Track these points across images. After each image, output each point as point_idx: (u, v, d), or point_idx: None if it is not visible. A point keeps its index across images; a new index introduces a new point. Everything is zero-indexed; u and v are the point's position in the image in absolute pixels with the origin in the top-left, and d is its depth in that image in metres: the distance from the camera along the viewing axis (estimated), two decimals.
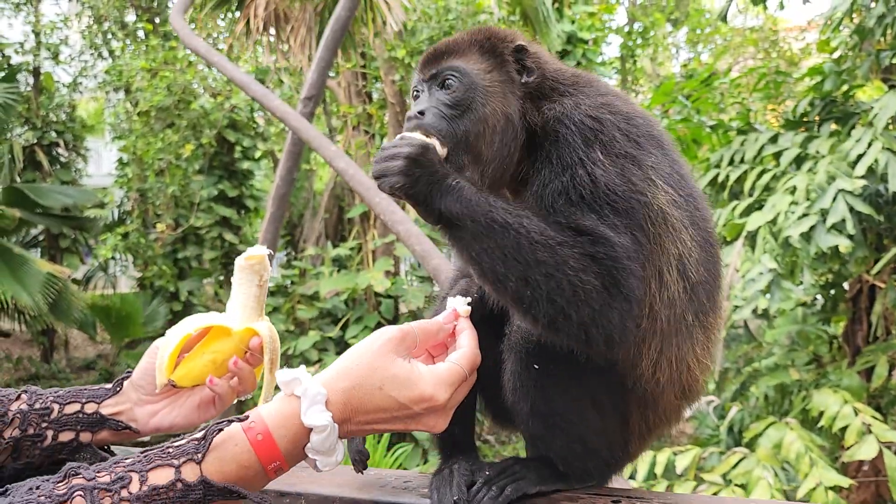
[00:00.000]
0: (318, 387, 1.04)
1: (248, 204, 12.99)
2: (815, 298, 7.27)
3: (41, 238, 14.16)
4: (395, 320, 9.34)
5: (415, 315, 9.40)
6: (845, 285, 6.66)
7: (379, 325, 9.37)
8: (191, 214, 12.65)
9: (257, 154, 12.23)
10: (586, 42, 11.00)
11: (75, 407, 1.33)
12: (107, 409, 1.35)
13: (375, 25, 6.66)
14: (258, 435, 1.00)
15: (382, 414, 1.08)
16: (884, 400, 5.60)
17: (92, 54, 11.73)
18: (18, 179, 13.24)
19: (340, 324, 9.54)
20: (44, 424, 1.29)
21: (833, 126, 5.01)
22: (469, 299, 1.31)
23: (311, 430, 1.02)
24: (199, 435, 0.99)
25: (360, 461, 1.42)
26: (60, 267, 11.17)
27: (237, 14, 7.25)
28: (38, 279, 10.11)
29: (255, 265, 1.37)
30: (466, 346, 1.20)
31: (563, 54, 10.74)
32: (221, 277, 13.47)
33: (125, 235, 11.51)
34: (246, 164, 12.66)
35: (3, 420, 1.27)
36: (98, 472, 0.94)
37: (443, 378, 1.12)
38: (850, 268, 5.36)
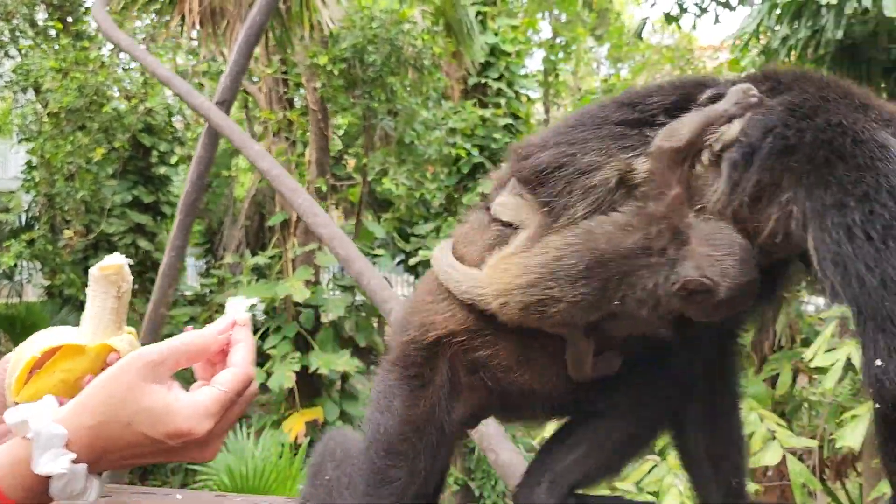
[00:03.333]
0: (53, 428, 0.92)
1: (164, 210, 12.59)
2: None
3: None
4: (315, 331, 9.21)
5: (335, 325, 9.29)
6: None
7: (298, 336, 9.23)
8: (102, 220, 12.19)
9: (174, 159, 11.89)
10: (509, 55, 11.13)
11: None
12: None
13: (311, 24, 6.58)
14: None
15: (137, 449, 0.97)
16: (788, 406, 5.82)
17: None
18: None
19: (258, 334, 9.33)
20: None
21: None
22: (253, 302, 1.22)
23: (49, 477, 0.90)
24: None
25: None
26: None
27: (157, 17, 7.05)
28: None
29: (111, 275, 1.26)
30: (238, 364, 1.06)
31: (485, 66, 10.85)
32: (136, 286, 13.01)
33: (31, 242, 11.00)
34: (163, 170, 12.30)
35: None
36: None
37: (203, 408, 0.99)
38: None
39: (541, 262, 1.17)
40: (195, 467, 7.46)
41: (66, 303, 13.42)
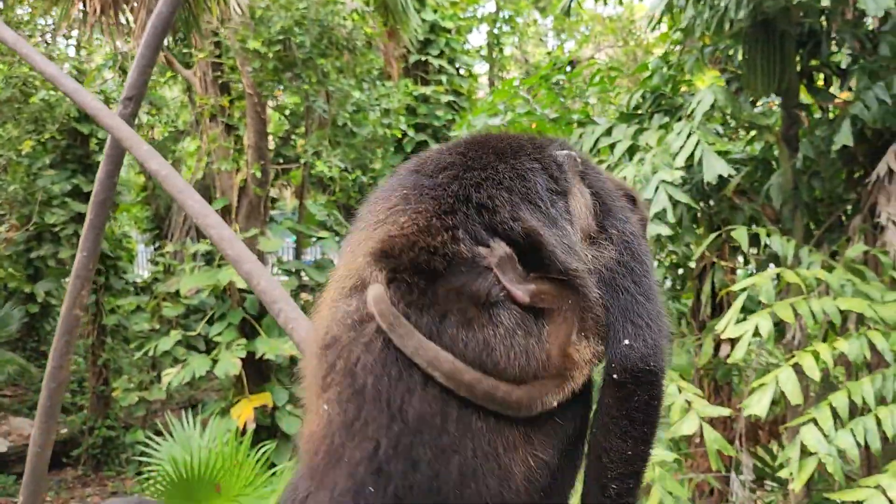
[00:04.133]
0: None
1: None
2: (665, 278, 7.68)
3: None
4: (260, 316, 9.17)
5: None
6: (692, 264, 7.07)
7: (244, 322, 9.19)
8: (45, 211, 11.95)
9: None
10: (449, 31, 11.09)
11: None
12: None
13: (221, 12, 6.46)
14: None
15: None
16: (718, 373, 5.98)
17: None
18: None
19: (205, 320, 9.28)
20: None
21: (663, 119, 5.28)
22: None
23: None
24: None
25: None
26: None
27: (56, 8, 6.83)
28: None
29: None
30: None
31: (425, 44, 10.80)
32: None
33: None
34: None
35: None
36: None
37: None
38: (678, 251, 5.68)
39: None
40: (143, 458, 7.44)
41: (10, 296, 13.19)
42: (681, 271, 7.51)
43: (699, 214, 5.87)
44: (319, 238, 10.08)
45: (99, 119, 3.04)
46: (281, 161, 10.15)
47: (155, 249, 16.86)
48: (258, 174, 8.72)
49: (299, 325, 2.85)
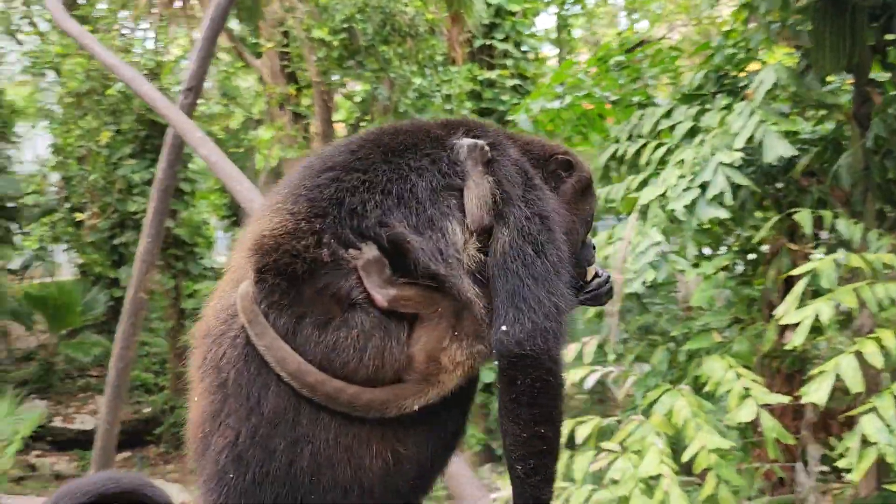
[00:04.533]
0: None
1: (183, 187, 12.81)
2: (735, 263, 7.47)
3: None
4: None
5: None
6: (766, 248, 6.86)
7: None
8: (126, 199, 12.47)
9: None
10: (514, 14, 10.99)
11: None
12: None
13: (287, 1, 6.59)
14: None
15: None
16: (786, 361, 5.79)
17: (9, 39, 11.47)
18: None
19: None
20: None
21: (726, 99, 5.13)
22: None
23: None
24: None
25: None
26: None
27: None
28: None
29: None
30: None
31: (490, 27, 10.75)
32: (160, 262, 13.32)
33: (53, 224, 11.32)
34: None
35: None
36: None
37: None
38: (743, 234, 5.52)
39: None
40: None
41: (96, 282, 13.82)
42: (754, 256, 7.29)
43: (765, 198, 5.69)
44: None
45: (156, 107, 3.17)
46: None
47: (232, 236, 17.38)
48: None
49: None
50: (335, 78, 8.26)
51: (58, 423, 12.14)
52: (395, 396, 1.15)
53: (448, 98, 9.04)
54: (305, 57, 8.69)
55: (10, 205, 13.01)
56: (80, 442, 12.14)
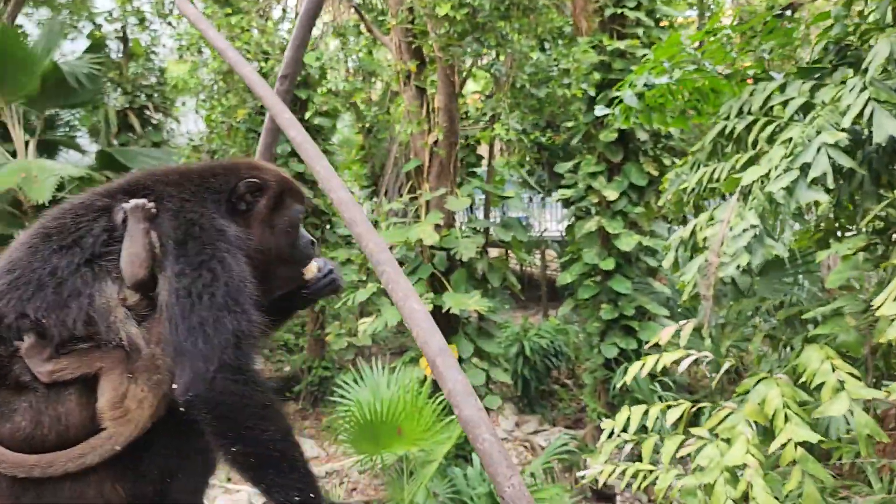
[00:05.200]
0: None
1: None
2: (876, 244, 6.97)
3: None
4: (448, 272, 9.59)
5: (468, 267, 9.61)
6: None
7: (433, 277, 9.68)
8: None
9: (325, 108, 12.56)
10: None
11: None
12: None
13: None
14: None
15: None
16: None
17: (162, 22, 12.42)
18: (115, 142, 14.23)
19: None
20: None
21: (846, 73, 4.77)
22: None
23: None
24: None
25: None
26: None
27: None
28: None
29: None
30: None
31: None
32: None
33: None
34: (317, 120, 13.08)
35: None
36: None
37: None
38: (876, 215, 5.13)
39: None
40: (335, 399, 8.16)
41: None
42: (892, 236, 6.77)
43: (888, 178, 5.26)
44: (505, 197, 10.29)
45: (254, 89, 3.40)
46: (475, 123, 10.43)
47: (371, 206, 18.04)
48: (440, 136, 9.05)
49: (399, 287, 3.06)
50: (459, 53, 8.32)
51: None
52: (92, 447, 1.29)
53: (566, 72, 8.92)
54: (429, 32, 8.83)
55: None
56: None
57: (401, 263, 10.22)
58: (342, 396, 7.86)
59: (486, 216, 11.10)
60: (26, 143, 12.02)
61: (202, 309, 1.31)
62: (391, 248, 9.83)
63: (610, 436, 4.84)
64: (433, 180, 9.59)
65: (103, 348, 1.34)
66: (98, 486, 1.30)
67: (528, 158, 10.85)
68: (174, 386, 1.30)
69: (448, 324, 9.68)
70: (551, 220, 20.15)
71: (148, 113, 14.71)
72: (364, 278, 12.07)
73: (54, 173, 10.25)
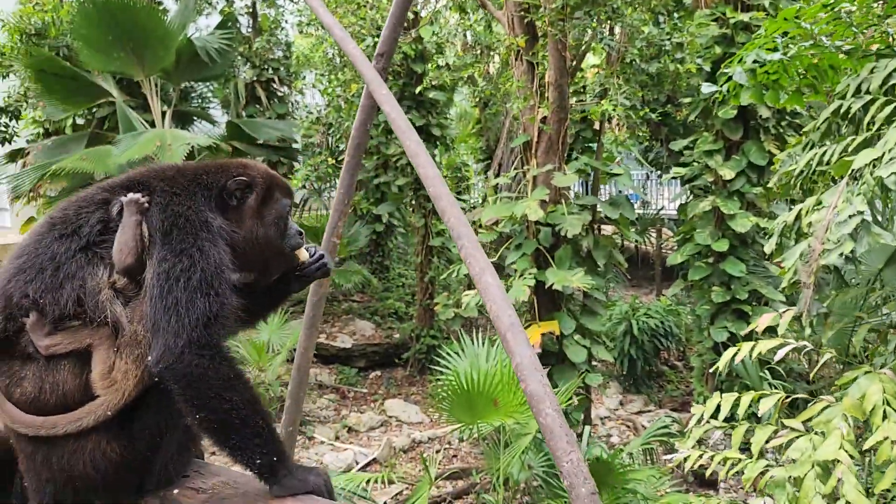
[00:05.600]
0: None
1: (434, 132, 13.65)
2: None
3: None
4: (553, 248, 9.58)
5: (573, 243, 9.56)
6: None
7: (538, 252, 9.69)
8: (389, 143, 13.60)
9: (438, 83, 12.71)
10: None
11: None
12: None
13: None
14: None
15: None
16: None
17: None
18: (243, 114, 14.97)
19: (502, 249, 9.99)
20: None
21: None
22: None
23: None
24: None
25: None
26: None
27: None
28: None
29: None
30: None
31: None
32: (414, 202, 14.40)
33: (316, 166, 12.70)
34: (432, 94, 13.27)
35: None
36: None
37: None
38: None
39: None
40: (437, 368, 8.38)
41: (361, 217, 15.31)
42: None
43: None
44: (614, 175, 10.13)
45: (356, 65, 3.55)
46: (590, 98, 10.30)
47: (484, 180, 18.15)
48: (549, 112, 8.99)
49: (476, 261, 3.14)
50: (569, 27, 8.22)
51: (322, 339, 13.79)
52: (87, 412, 1.46)
53: (679, 46, 8.62)
54: (541, 6, 8.76)
55: (294, 146, 14.83)
56: (339, 358, 13.78)
57: (507, 238, 10.29)
58: (443, 366, 8.06)
59: (595, 193, 10.96)
60: (163, 114, 12.86)
61: (178, 291, 1.46)
62: (496, 223, 9.91)
63: (699, 421, 4.78)
64: (541, 156, 9.56)
65: (92, 326, 1.51)
66: (96, 444, 1.48)
67: (639, 135, 10.60)
68: (149, 358, 1.46)
69: (551, 300, 9.69)
70: (669, 199, 19.61)
71: (274, 86, 15.35)
72: None
73: (185, 142, 10.92)
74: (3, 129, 15.98)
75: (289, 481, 1.47)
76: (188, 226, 1.57)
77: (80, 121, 14.47)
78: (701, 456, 4.75)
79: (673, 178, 11.62)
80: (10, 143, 15.89)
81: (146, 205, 1.59)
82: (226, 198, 1.70)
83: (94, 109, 13.73)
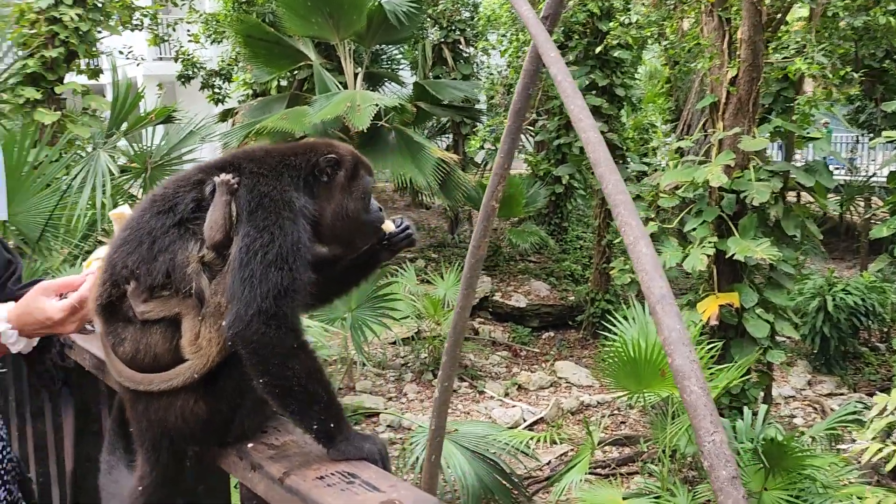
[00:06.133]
0: (2, 313, 1.86)
1: (618, 93, 13.28)
2: None
3: (448, 126, 16.35)
4: (737, 216, 9.09)
5: (760, 212, 9.02)
6: None
7: (720, 220, 9.23)
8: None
9: (621, 41, 12.30)
10: None
11: None
12: None
13: None
14: None
15: (37, 325, 1.87)
16: None
17: None
18: (430, 75, 15.37)
19: (681, 215, 9.62)
20: None
21: None
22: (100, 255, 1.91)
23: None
24: None
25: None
26: (449, 153, 12.93)
27: None
28: (430, 163, 11.95)
29: (118, 217, 2.12)
30: (81, 290, 1.88)
31: None
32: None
33: (494, 128, 12.80)
34: (617, 52, 12.89)
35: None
36: None
37: (59, 307, 1.86)
38: None
39: None
40: (606, 333, 8.31)
41: (541, 178, 15.32)
42: None
43: None
44: (809, 139, 9.37)
45: (527, 27, 3.58)
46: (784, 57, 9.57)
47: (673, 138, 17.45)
48: (738, 70, 8.44)
49: (631, 230, 3.11)
50: None
51: (498, 297, 14.07)
52: (177, 373, 1.62)
53: None
54: None
55: (469, 106, 15.06)
56: (513, 316, 13.99)
57: (689, 203, 9.88)
58: (612, 331, 7.99)
59: (789, 158, 10.22)
60: (355, 76, 13.51)
61: (255, 264, 1.58)
62: (676, 188, 9.55)
63: (882, 412, 4.45)
64: (729, 118, 9.05)
65: (179, 296, 1.67)
66: (185, 402, 1.67)
67: (842, 96, 9.67)
68: (223, 323, 1.59)
69: (732, 270, 9.24)
70: (879, 165, 17.88)
71: (460, 47, 15.59)
72: (653, 215, 11.88)
73: (373, 102, 11.43)
74: (217, 90, 17.54)
75: (345, 447, 1.56)
76: (272, 205, 1.69)
77: (283, 83, 15.56)
78: (880, 450, 4.44)
79: (887, 141, 10.53)
80: (222, 103, 17.41)
81: (235, 186, 1.74)
82: (317, 174, 1.82)
83: (295, 72, 14.70)
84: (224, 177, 1.72)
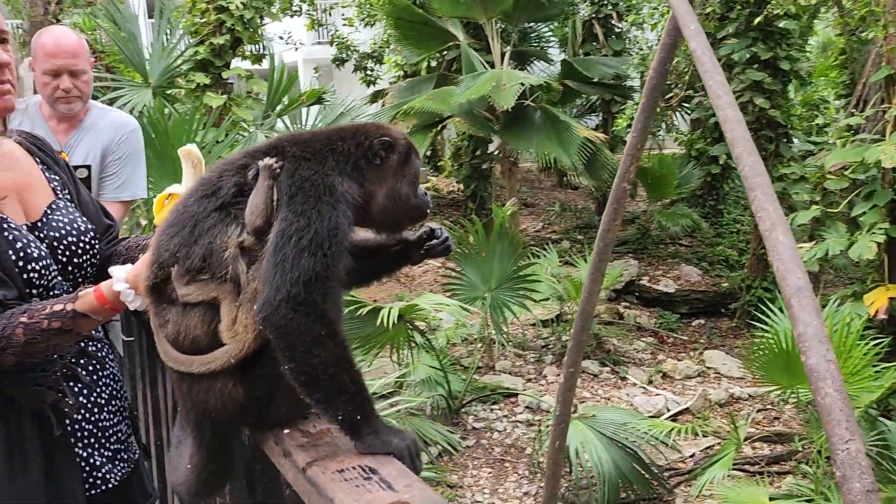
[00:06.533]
0: (122, 274, 1.89)
1: (782, 66, 12.37)
2: None
3: (598, 104, 15.94)
4: None
5: None
6: None
7: (892, 204, 8.41)
8: (733, 78, 12.68)
9: (787, 10, 11.43)
10: None
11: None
12: None
13: None
14: (97, 292, 1.89)
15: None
16: None
17: None
18: (580, 52, 15.02)
19: (848, 198, 8.85)
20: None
21: None
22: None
23: (119, 292, 1.89)
24: (73, 294, 1.93)
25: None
26: (596, 133, 12.59)
27: None
28: (576, 143, 11.69)
29: (187, 154, 2.17)
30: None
31: None
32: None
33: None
34: (782, 23, 12.00)
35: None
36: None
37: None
38: None
39: None
40: (758, 324, 7.85)
41: (696, 158, 14.63)
42: None
43: None
44: None
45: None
46: None
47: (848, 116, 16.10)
48: (880, 34, 7.58)
49: (767, 215, 2.89)
50: None
51: (645, 281, 13.62)
52: (215, 357, 1.63)
53: None
54: None
55: (627, 83, 14.58)
56: (661, 302, 13.48)
57: (858, 186, 9.08)
58: (764, 322, 7.53)
59: None
60: (502, 55, 13.43)
61: (288, 248, 1.56)
62: (844, 169, 8.80)
63: None
64: None
65: (216, 280, 1.66)
66: (223, 385, 1.68)
67: None
68: (255, 307, 1.58)
69: None
70: None
71: (612, 22, 15.09)
72: (818, 198, 11.01)
73: (518, 81, 11.31)
74: (369, 72, 18.04)
75: (371, 440, 1.52)
76: (312, 189, 1.66)
77: (433, 63, 15.75)
78: None
79: None
80: (374, 84, 17.89)
81: (278, 170, 1.71)
82: (370, 157, 1.77)
83: (444, 52, 14.81)
84: (267, 161, 1.71)
